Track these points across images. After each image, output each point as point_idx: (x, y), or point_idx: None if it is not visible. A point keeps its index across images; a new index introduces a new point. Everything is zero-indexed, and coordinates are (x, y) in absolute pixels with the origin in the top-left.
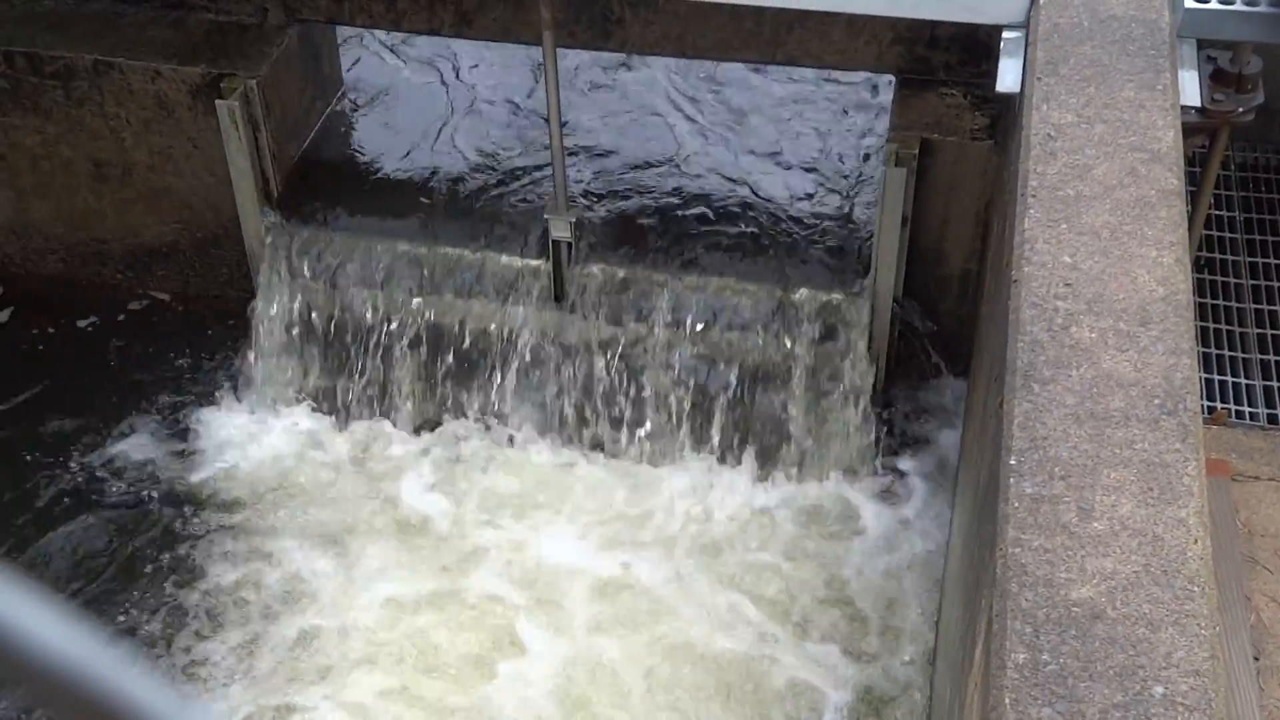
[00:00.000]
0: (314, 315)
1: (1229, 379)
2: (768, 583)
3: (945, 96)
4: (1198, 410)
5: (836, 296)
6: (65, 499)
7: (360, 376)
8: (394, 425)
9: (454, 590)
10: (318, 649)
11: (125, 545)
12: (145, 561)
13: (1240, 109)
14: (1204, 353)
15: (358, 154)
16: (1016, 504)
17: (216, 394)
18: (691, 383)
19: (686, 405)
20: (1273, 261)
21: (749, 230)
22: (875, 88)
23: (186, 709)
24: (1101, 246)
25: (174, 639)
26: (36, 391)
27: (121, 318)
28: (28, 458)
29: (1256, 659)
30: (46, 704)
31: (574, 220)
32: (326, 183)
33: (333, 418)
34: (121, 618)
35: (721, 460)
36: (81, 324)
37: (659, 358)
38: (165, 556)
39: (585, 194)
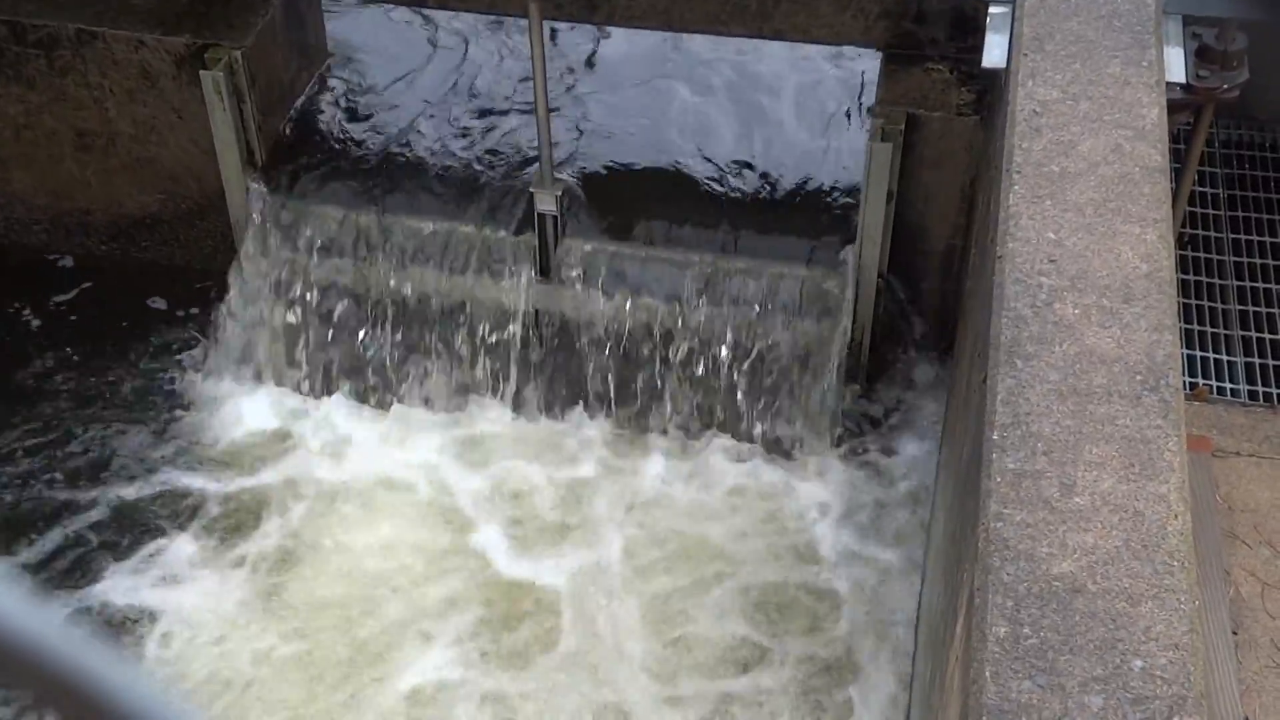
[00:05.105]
0: (298, 286)
1: (1211, 355)
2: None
3: (931, 71)
4: (1179, 386)
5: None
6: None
7: (343, 349)
8: (376, 397)
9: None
10: None
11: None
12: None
13: (1225, 86)
14: (1186, 329)
15: (343, 124)
16: (999, 479)
17: (199, 365)
18: (672, 357)
19: (671, 381)
20: (1255, 238)
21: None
22: None
23: (165, 700)
24: (1085, 223)
25: None
26: (19, 366)
27: (104, 288)
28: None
29: (1235, 633)
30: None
31: (559, 193)
32: (312, 153)
33: (314, 390)
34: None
35: (701, 435)
36: (63, 295)
37: (639, 331)
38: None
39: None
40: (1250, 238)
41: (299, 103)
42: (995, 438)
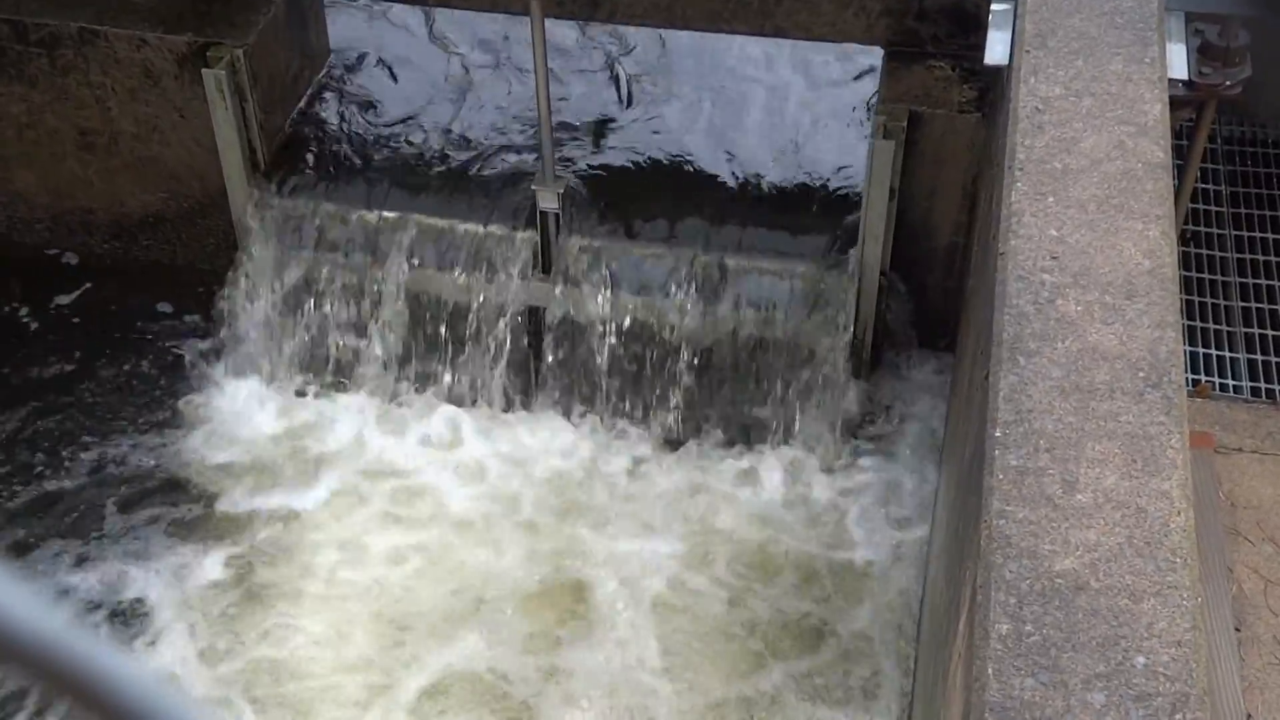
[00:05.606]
0: (300, 285)
1: (1213, 352)
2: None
3: (933, 69)
4: (1182, 383)
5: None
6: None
7: (346, 347)
8: (380, 396)
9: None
10: None
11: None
12: None
13: (1227, 82)
14: (1189, 326)
15: (345, 123)
16: (1001, 476)
17: (201, 365)
18: (674, 355)
19: (672, 378)
20: (1258, 235)
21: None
22: None
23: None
24: (1088, 219)
25: None
26: (19, 364)
27: (106, 287)
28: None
29: (1238, 630)
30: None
31: (561, 191)
32: (314, 152)
33: (318, 388)
34: None
35: (704, 434)
36: (65, 294)
37: (640, 328)
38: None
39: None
40: (1253, 234)
41: (301, 101)
42: (998, 435)
